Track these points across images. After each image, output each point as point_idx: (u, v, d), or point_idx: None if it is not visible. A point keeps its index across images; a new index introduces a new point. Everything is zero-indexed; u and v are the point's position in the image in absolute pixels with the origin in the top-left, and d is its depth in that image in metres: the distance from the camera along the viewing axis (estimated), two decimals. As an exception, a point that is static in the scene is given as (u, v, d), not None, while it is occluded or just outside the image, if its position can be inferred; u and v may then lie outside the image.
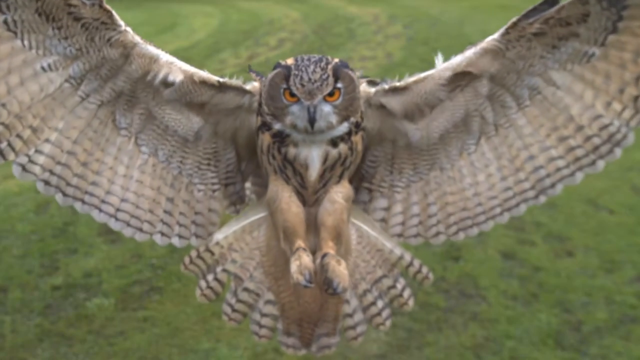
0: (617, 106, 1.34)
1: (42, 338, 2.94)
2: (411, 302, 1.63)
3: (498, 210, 1.53)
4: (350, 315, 1.61)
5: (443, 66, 1.39)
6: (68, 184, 1.38)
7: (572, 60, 1.33)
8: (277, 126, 1.38)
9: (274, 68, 1.36)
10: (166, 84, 1.37)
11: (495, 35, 1.33)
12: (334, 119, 1.34)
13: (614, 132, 1.35)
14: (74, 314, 3.12)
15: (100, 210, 1.44)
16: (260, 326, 1.61)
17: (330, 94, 1.32)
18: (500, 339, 2.92)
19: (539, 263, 3.54)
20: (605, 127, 1.36)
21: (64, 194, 1.39)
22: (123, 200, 1.44)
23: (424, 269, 1.62)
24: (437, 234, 1.58)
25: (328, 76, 1.31)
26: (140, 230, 1.47)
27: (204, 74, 1.39)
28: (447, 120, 1.44)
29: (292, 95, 1.33)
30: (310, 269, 1.34)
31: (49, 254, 3.65)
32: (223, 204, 1.56)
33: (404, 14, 10.22)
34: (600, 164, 1.39)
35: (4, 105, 1.27)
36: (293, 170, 1.42)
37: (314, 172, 1.42)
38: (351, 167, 1.46)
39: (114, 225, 1.45)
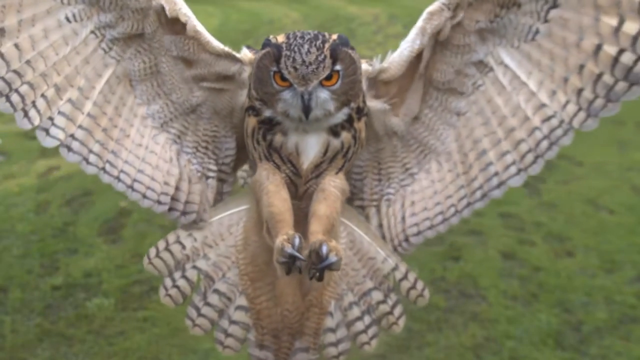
0: (561, 97, 1.26)
1: (42, 338, 2.94)
2: (401, 322, 1.47)
3: (452, 210, 1.40)
4: (333, 330, 1.45)
5: (404, 46, 1.32)
6: (90, 151, 1.32)
7: (519, 37, 1.27)
8: (267, 113, 1.27)
9: (263, 46, 1.23)
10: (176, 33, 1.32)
11: None
12: (331, 105, 1.22)
13: (555, 126, 1.29)
14: (74, 314, 3.12)
15: (119, 180, 1.36)
16: (227, 335, 1.45)
17: (328, 78, 1.19)
18: (500, 339, 2.92)
19: (539, 263, 3.54)
20: (548, 119, 1.29)
21: (87, 162, 1.32)
22: (139, 171, 1.37)
23: (419, 285, 1.46)
24: (406, 238, 1.45)
25: (325, 57, 1.16)
26: (158, 202, 1.39)
27: (205, 37, 1.32)
28: (420, 97, 1.38)
29: (284, 79, 1.19)
30: (300, 237, 1.18)
31: (49, 254, 3.65)
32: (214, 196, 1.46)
33: (404, 14, 10.20)
34: (540, 162, 1.34)
35: (28, 62, 1.22)
36: (280, 158, 1.30)
37: (306, 160, 1.30)
38: (353, 159, 1.35)
39: (130, 195, 1.38)
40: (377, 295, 1.45)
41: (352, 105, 1.26)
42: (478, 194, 1.38)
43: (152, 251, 1.43)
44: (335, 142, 1.28)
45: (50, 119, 1.27)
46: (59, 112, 1.27)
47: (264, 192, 1.31)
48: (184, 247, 1.42)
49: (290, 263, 1.16)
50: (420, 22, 1.30)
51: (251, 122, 1.30)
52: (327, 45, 1.17)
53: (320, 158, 1.29)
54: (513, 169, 1.35)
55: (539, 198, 4.29)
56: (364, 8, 11.46)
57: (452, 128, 1.39)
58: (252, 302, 1.43)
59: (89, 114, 1.31)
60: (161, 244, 1.43)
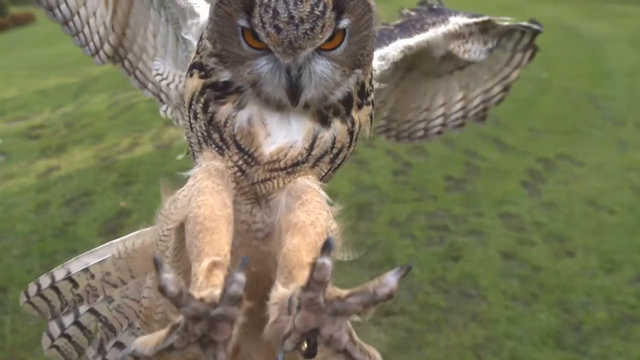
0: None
1: (41, 338, 2.94)
2: None
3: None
4: None
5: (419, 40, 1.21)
6: (136, 68, 1.23)
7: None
8: (223, 76, 0.86)
9: None
10: None
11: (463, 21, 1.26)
12: (337, 74, 0.84)
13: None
14: (74, 314, 3.12)
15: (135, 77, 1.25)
16: None
17: (328, 39, 0.80)
18: (500, 339, 2.91)
19: (539, 263, 3.53)
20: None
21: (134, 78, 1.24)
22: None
23: None
24: None
25: (325, 9, 0.76)
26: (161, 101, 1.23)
27: None
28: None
29: (259, 40, 0.79)
30: (245, 264, 0.66)
31: (49, 254, 3.64)
32: None
33: (404, 14, 10.20)
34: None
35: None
36: (222, 140, 0.88)
37: (271, 144, 0.87)
38: (341, 167, 0.95)
39: (145, 92, 1.26)
40: None
41: (360, 73, 0.87)
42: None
43: (32, 288, 1.07)
44: (326, 136, 0.88)
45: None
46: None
47: (194, 193, 0.85)
48: (75, 285, 1.05)
49: (198, 327, 0.64)
50: (437, 34, 1.23)
51: (192, 84, 0.89)
52: None
53: (303, 154, 0.88)
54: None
55: (539, 198, 4.29)
56: (364, 8, 11.45)
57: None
58: None
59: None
60: (45, 281, 1.07)
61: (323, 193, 0.89)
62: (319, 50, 0.81)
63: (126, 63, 1.23)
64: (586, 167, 4.78)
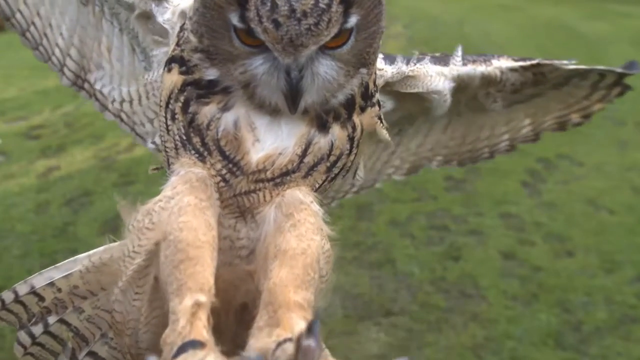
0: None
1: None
2: None
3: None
4: None
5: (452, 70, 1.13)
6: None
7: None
8: (209, 74, 0.78)
9: None
10: None
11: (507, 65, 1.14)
12: (341, 75, 0.77)
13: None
14: (74, 314, 3.12)
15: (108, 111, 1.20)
16: None
17: (335, 36, 0.72)
18: (500, 339, 2.91)
19: (539, 263, 3.53)
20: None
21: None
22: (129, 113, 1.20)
23: None
24: None
25: (331, 1, 0.69)
26: (136, 133, 1.21)
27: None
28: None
29: (255, 36, 0.72)
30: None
31: (49, 254, 3.64)
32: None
33: (404, 14, 10.19)
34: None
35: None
36: (203, 145, 0.79)
37: (259, 150, 0.79)
38: (339, 178, 0.88)
39: (107, 115, 1.21)
40: None
41: (364, 73, 0.80)
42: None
43: None
44: (322, 142, 0.80)
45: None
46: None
47: (174, 210, 0.75)
48: (41, 298, 1.00)
49: None
50: (477, 71, 1.12)
51: (171, 80, 0.81)
52: None
53: (294, 161, 0.80)
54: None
55: (539, 198, 4.29)
56: (364, 8, 11.43)
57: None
58: None
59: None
60: (8, 296, 1.02)
61: (317, 207, 0.81)
62: (323, 49, 0.73)
63: (86, 85, 1.18)
64: (586, 167, 4.78)
